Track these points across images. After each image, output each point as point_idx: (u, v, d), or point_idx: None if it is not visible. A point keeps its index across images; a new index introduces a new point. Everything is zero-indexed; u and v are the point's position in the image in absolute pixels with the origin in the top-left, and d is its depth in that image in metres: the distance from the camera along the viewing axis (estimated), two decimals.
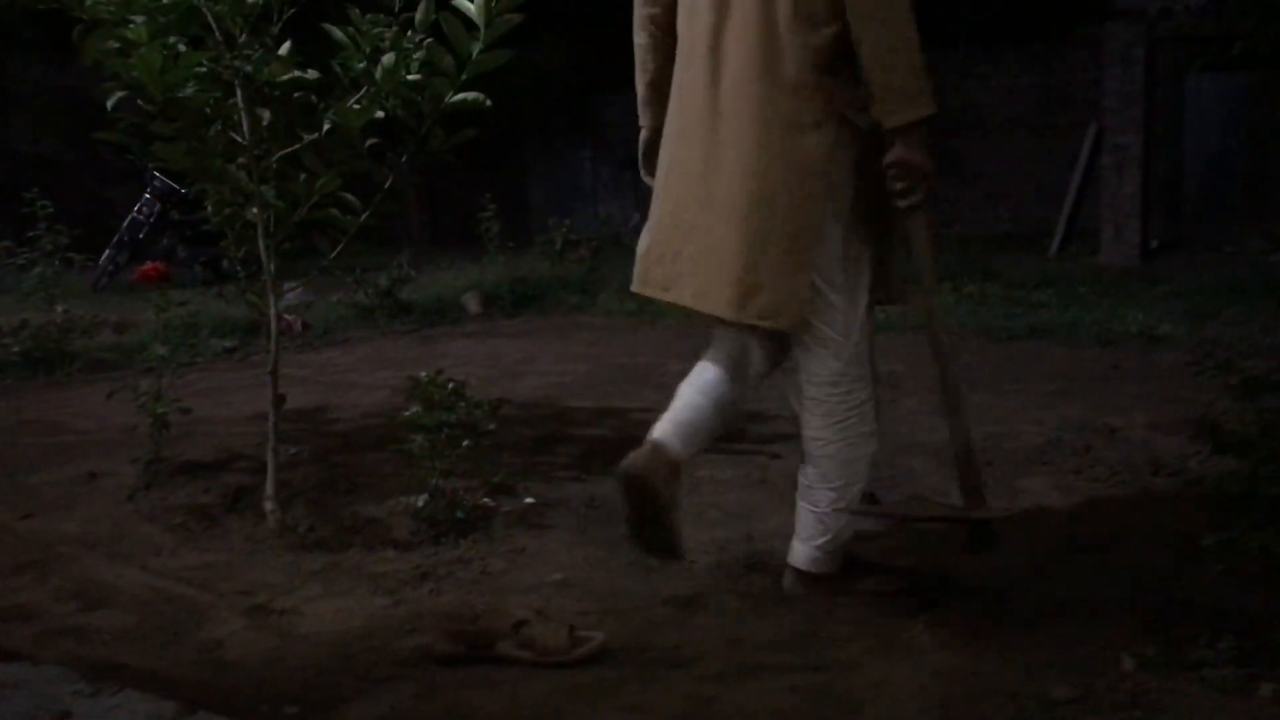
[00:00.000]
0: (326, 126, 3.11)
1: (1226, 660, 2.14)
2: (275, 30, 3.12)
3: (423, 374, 3.19)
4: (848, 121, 2.40)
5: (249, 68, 3.00)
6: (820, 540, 2.54)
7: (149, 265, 10.14)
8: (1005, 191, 13.16)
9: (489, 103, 3.08)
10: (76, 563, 2.95)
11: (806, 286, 2.42)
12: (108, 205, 12.29)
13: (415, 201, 15.47)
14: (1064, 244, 10.95)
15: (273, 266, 3.21)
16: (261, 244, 3.18)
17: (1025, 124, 13.26)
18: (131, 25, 2.89)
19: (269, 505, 3.16)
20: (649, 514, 2.50)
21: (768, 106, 2.37)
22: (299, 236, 3.27)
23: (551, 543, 3.01)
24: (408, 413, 3.14)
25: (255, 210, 3.14)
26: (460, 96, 3.09)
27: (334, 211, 3.22)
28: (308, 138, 3.15)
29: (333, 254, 3.28)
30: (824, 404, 2.54)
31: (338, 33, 3.10)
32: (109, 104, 3.03)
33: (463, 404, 3.15)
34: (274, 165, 3.14)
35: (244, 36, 3.04)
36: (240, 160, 3.12)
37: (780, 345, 2.63)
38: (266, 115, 3.12)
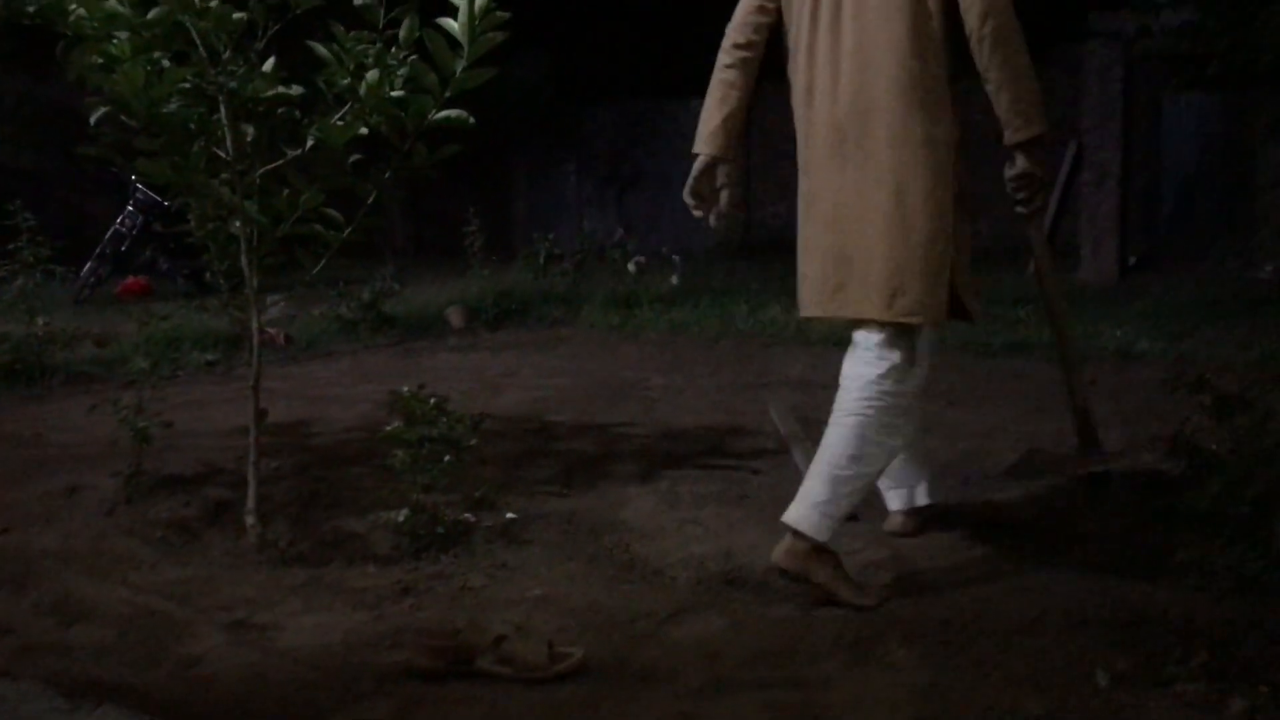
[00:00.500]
0: (310, 142, 3.13)
1: (1199, 676, 2.17)
2: (259, 46, 3.13)
3: (404, 388, 3.20)
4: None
5: (233, 83, 3.01)
6: (823, 504, 2.69)
7: (131, 280, 10.09)
8: (984, 208, 13.25)
9: (472, 120, 3.10)
10: (55, 578, 2.94)
11: (945, 287, 2.73)
12: (90, 217, 12.23)
13: (399, 215, 15.46)
14: None
15: (255, 280, 3.22)
16: (244, 258, 3.19)
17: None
18: (115, 41, 2.90)
19: (250, 520, 3.16)
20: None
21: (908, 127, 2.71)
22: (282, 251, 3.28)
23: (532, 558, 3.02)
24: (389, 427, 3.15)
25: (238, 224, 3.15)
26: (444, 114, 3.11)
27: (317, 227, 3.24)
28: (291, 153, 3.16)
29: (315, 269, 3.29)
30: (887, 390, 2.77)
31: (322, 49, 3.12)
32: (92, 119, 3.03)
33: (444, 418, 3.16)
34: (257, 180, 3.15)
35: (228, 52, 3.06)
36: (224, 175, 3.13)
37: None
38: (250, 131, 3.13)
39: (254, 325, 3.28)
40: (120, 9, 2.89)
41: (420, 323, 7.98)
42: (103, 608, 2.73)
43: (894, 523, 3.17)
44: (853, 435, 2.73)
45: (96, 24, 2.88)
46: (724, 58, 3.03)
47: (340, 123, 3.09)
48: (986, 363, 6.01)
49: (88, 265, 9.89)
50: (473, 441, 3.25)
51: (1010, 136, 2.74)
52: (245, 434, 3.31)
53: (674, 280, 9.45)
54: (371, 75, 3.04)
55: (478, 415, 3.32)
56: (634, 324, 7.82)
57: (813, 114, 2.87)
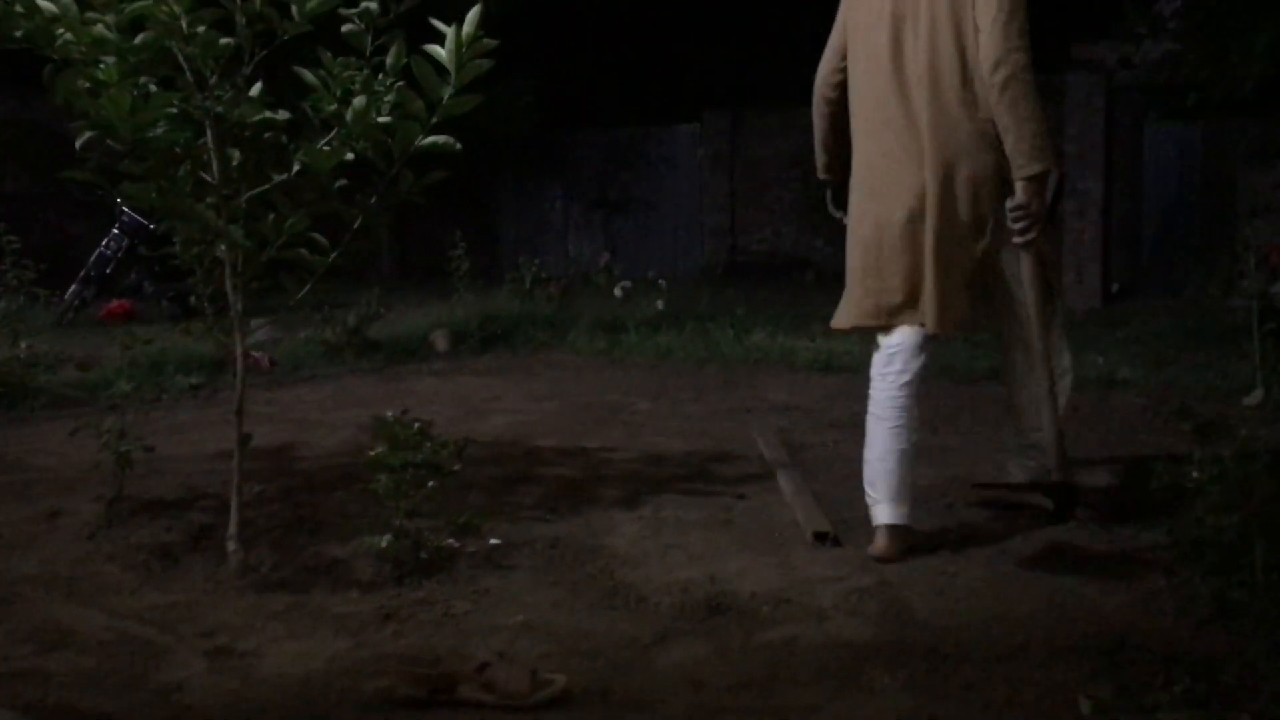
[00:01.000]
0: (296, 167, 3.13)
1: (1181, 703, 2.17)
2: (247, 71, 3.14)
3: (389, 413, 3.19)
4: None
5: (220, 108, 3.02)
6: (906, 500, 3.16)
7: (114, 304, 10.06)
8: None
9: (458, 146, 3.12)
10: (34, 603, 2.91)
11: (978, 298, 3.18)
12: (74, 240, 12.19)
13: (386, 240, 15.46)
14: None
15: (240, 304, 3.22)
16: (229, 282, 3.19)
17: None
18: (102, 65, 2.90)
19: (232, 545, 3.15)
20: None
21: (965, 166, 3.14)
22: (267, 275, 3.28)
23: (515, 584, 3.01)
24: (373, 452, 3.14)
25: (224, 248, 3.15)
26: (430, 140, 3.12)
27: (303, 251, 3.24)
28: (277, 178, 3.16)
29: (300, 293, 3.29)
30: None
31: (309, 75, 3.13)
32: (78, 143, 3.03)
33: (428, 443, 3.15)
34: (243, 205, 3.15)
35: (215, 78, 3.06)
36: (209, 200, 3.13)
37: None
38: (236, 155, 3.14)
39: (238, 349, 3.28)
40: (108, 34, 2.90)
41: (405, 347, 7.97)
42: (82, 634, 2.71)
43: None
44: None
45: (84, 48, 2.89)
46: (819, 106, 3.52)
47: (327, 148, 3.09)
48: (969, 388, 6.03)
49: (72, 288, 9.86)
50: (456, 467, 3.24)
51: (1013, 173, 3.08)
52: (228, 458, 3.30)
53: (659, 305, 9.47)
54: (358, 101, 3.05)
55: (462, 440, 3.31)
56: (620, 349, 7.83)
57: (879, 146, 3.27)
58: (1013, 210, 3.11)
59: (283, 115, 3.14)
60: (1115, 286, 10.81)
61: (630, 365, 7.31)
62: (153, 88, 3.01)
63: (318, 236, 3.25)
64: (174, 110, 3.02)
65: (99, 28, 2.89)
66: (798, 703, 2.28)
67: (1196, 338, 7.45)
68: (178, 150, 3.08)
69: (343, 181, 3.23)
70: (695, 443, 4.79)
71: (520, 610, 2.82)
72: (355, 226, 3.28)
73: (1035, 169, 3.06)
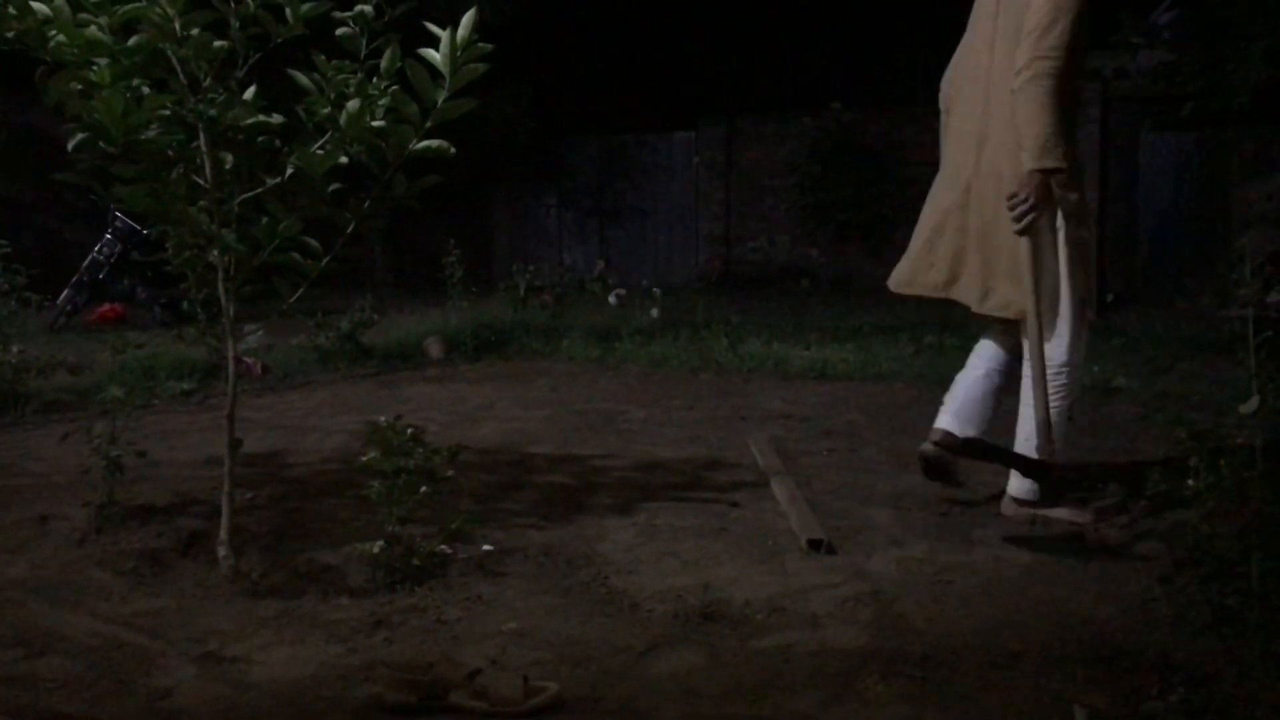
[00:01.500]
0: (290, 171, 3.12)
1: (1177, 712, 2.16)
2: (240, 74, 3.13)
3: (381, 419, 3.18)
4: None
5: (213, 111, 3.01)
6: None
7: (106, 307, 10.04)
8: None
9: (453, 150, 3.10)
10: (23, 608, 2.89)
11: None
12: (67, 245, 12.17)
13: (379, 245, 15.44)
14: None
15: (232, 309, 3.20)
16: (222, 287, 3.17)
17: None
18: (95, 67, 2.89)
19: (222, 551, 3.13)
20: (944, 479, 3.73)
21: (1006, 163, 3.42)
22: (260, 280, 3.27)
23: (508, 591, 2.99)
24: (365, 458, 3.12)
25: (216, 253, 3.14)
26: (424, 144, 3.11)
27: (295, 256, 3.22)
28: (270, 182, 3.15)
29: (293, 298, 3.27)
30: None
31: (303, 78, 3.12)
32: (70, 145, 3.02)
33: (421, 449, 3.14)
34: (236, 209, 3.14)
35: (208, 80, 3.05)
36: (202, 203, 3.12)
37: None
38: (229, 159, 3.12)
39: (230, 354, 3.26)
40: (100, 36, 2.89)
41: (399, 353, 7.96)
42: (71, 639, 2.68)
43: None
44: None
45: (76, 50, 2.87)
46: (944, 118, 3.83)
47: (320, 152, 3.08)
48: None
49: (65, 293, 9.84)
50: (449, 473, 3.23)
51: (1024, 164, 3.36)
52: (219, 464, 3.27)
53: (654, 313, 9.46)
54: (352, 105, 3.04)
55: (455, 447, 3.29)
56: (614, 357, 7.83)
57: (959, 153, 3.64)
58: (1009, 199, 3.37)
59: (276, 119, 3.13)
60: (1110, 296, 10.82)
61: (624, 373, 7.30)
62: (146, 90, 2.99)
63: (310, 241, 3.23)
64: (167, 113, 3.00)
65: (92, 30, 2.88)
66: (791, 711, 2.27)
67: (1192, 347, 7.46)
68: (170, 153, 3.06)
69: (336, 185, 3.21)
70: (689, 450, 4.78)
71: (512, 617, 2.80)
72: (348, 231, 3.27)
73: (1032, 165, 3.31)
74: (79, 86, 2.90)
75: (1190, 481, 2.68)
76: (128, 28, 2.94)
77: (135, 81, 2.97)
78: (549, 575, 3.12)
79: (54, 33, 2.86)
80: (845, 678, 2.41)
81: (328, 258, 3.25)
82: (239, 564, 3.11)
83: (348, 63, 3.10)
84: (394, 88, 3.09)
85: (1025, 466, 3.53)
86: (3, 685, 2.43)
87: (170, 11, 2.88)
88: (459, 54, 2.98)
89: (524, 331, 8.66)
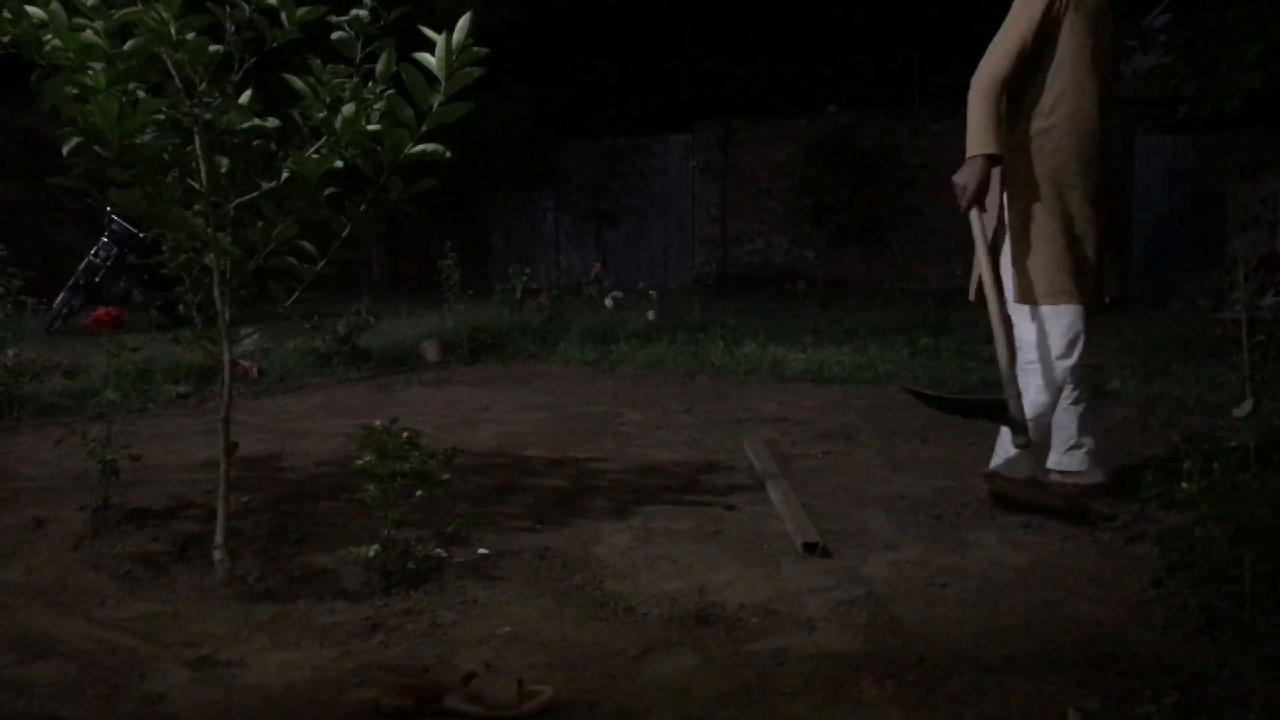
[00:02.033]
0: (285, 175, 3.12)
1: (1169, 715, 2.16)
2: (236, 78, 3.13)
3: (377, 422, 3.18)
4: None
5: (208, 115, 3.01)
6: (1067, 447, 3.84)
7: (102, 311, 10.03)
8: (959, 247, 13.38)
9: (448, 154, 3.11)
10: (17, 612, 2.89)
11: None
12: (63, 248, 12.17)
13: (376, 248, 15.45)
14: None
15: (228, 312, 3.20)
16: (217, 290, 3.17)
17: None
18: (91, 71, 2.89)
19: (218, 554, 3.12)
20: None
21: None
22: (255, 283, 3.27)
23: (503, 594, 3.00)
24: (360, 461, 3.12)
25: (212, 256, 3.14)
26: (420, 148, 3.11)
27: (291, 259, 3.22)
28: (266, 186, 3.15)
29: (287, 302, 3.28)
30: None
31: (298, 82, 3.12)
32: (66, 149, 3.02)
33: (417, 453, 3.14)
34: (231, 212, 3.14)
35: (204, 84, 3.05)
36: (197, 207, 3.12)
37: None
38: (225, 163, 3.12)
39: (226, 358, 3.26)
40: (96, 40, 2.89)
41: (395, 356, 7.96)
42: (65, 643, 2.68)
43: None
44: None
45: (72, 54, 2.87)
46: None
47: (315, 155, 3.08)
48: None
49: (61, 296, 9.84)
50: (445, 476, 3.22)
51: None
52: (215, 467, 3.28)
53: (650, 315, 9.47)
54: (348, 108, 3.05)
55: (451, 450, 3.29)
56: (610, 359, 7.83)
57: None
58: (953, 181, 3.76)
59: (272, 123, 3.13)
60: (1107, 298, 10.82)
61: (620, 376, 7.30)
62: (141, 94, 2.99)
63: (306, 244, 3.24)
64: (162, 117, 3.00)
65: (87, 33, 2.88)
66: (786, 714, 2.27)
67: (1186, 349, 7.47)
68: (166, 157, 3.06)
69: (331, 189, 3.22)
70: (685, 453, 4.78)
71: (508, 620, 2.81)
72: (344, 235, 3.27)
73: (969, 153, 3.71)
74: (74, 90, 2.90)
75: (1184, 484, 2.69)
76: (123, 32, 2.94)
77: (131, 85, 2.97)
78: (544, 579, 3.12)
79: (49, 36, 2.87)
80: (840, 681, 2.41)
81: (323, 261, 3.26)
82: (234, 568, 3.11)
83: (343, 67, 3.11)
84: (389, 92, 3.09)
85: (983, 409, 3.99)
86: None
87: (166, 15, 2.88)
88: (454, 58, 2.99)
89: (520, 334, 8.67)
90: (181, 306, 3.48)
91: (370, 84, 3.09)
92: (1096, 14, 3.76)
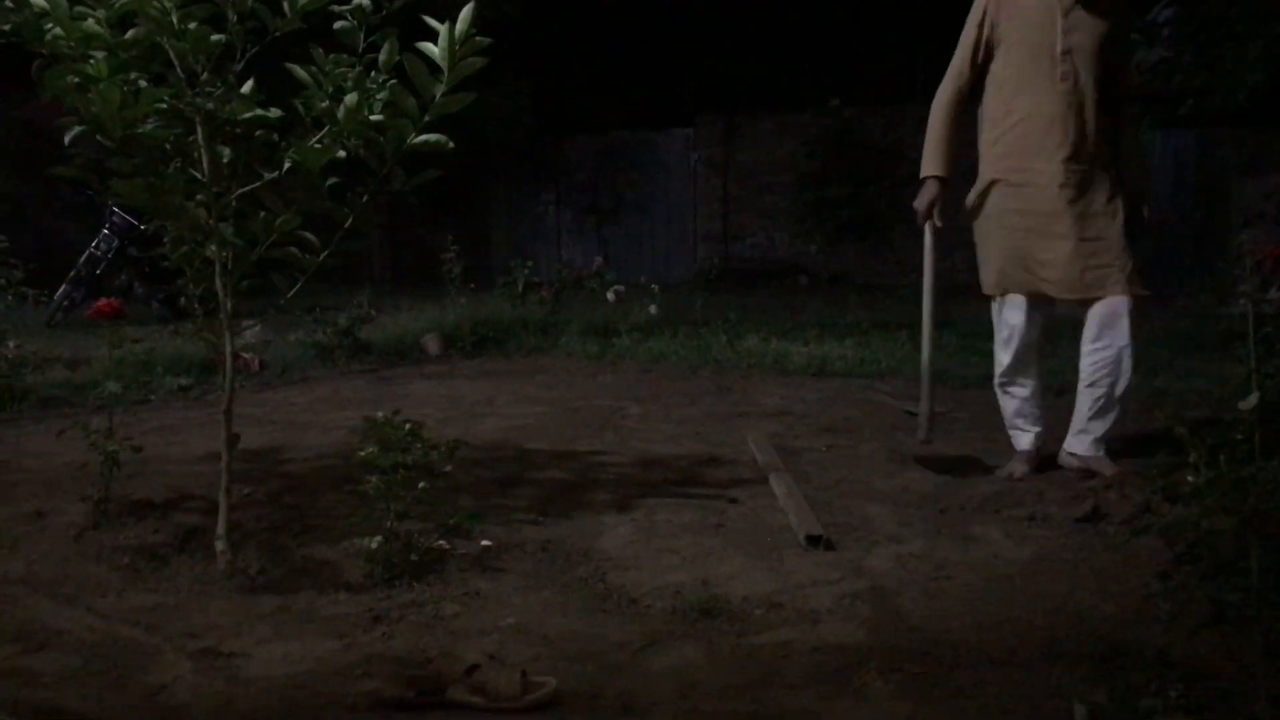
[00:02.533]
0: (287, 165, 3.11)
1: (1175, 708, 2.15)
2: (238, 68, 3.12)
3: (379, 414, 3.17)
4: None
5: (210, 105, 3.00)
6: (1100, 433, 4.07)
7: (103, 302, 10.00)
8: (962, 242, 13.36)
9: (451, 145, 3.09)
10: (20, 604, 2.88)
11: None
12: (64, 240, 12.16)
13: (377, 241, 15.44)
14: None
15: (230, 304, 3.19)
16: (219, 282, 3.16)
17: None
18: (92, 61, 2.88)
19: (220, 546, 3.12)
20: None
21: None
22: (257, 275, 3.26)
23: (506, 586, 2.99)
24: (363, 453, 3.11)
25: (214, 248, 3.13)
26: (423, 138, 3.10)
27: (293, 250, 3.21)
28: (268, 176, 3.14)
29: (290, 293, 3.27)
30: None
31: (301, 72, 3.11)
32: (67, 139, 3.01)
33: (419, 445, 3.13)
34: (233, 203, 3.13)
35: (206, 74, 3.04)
36: (199, 197, 3.11)
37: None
38: (227, 153, 3.11)
39: (228, 350, 3.25)
40: (98, 29, 2.87)
41: (397, 349, 7.95)
42: (68, 634, 2.68)
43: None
44: None
45: (73, 43, 2.86)
46: None
47: (318, 146, 3.07)
48: (961, 394, 6.03)
49: (62, 289, 9.83)
50: (447, 468, 3.22)
51: None
52: (217, 459, 3.27)
53: (652, 309, 9.45)
54: (350, 99, 3.03)
55: (454, 442, 3.28)
56: (612, 353, 7.82)
57: None
58: None
59: (274, 113, 3.12)
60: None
61: (622, 369, 7.29)
62: (143, 84, 2.98)
63: (308, 236, 3.22)
64: (164, 106, 2.99)
65: (89, 22, 2.87)
66: (790, 707, 2.26)
67: (1191, 343, 7.46)
68: (168, 147, 3.05)
69: (334, 180, 3.20)
70: (687, 446, 4.77)
71: (511, 613, 2.80)
72: (346, 226, 3.26)
73: (920, 175, 4.16)
74: (76, 80, 2.89)
75: (1189, 477, 2.67)
76: (125, 21, 2.93)
77: (132, 75, 2.96)
78: (547, 571, 3.12)
79: (51, 25, 2.85)
80: (844, 674, 2.40)
81: (325, 253, 3.24)
82: (236, 559, 3.10)
83: (345, 56, 3.10)
84: (392, 82, 3.08)
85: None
86: (0, 680, 2.42)
87: (168, 5, 2.87)
88: (457, 48, 2.97)
89: (522, 328, 8.66)
90: (183, 299, 3.47)
91: (373, 74, 3.08)
92: (1042, 14, 3.90)
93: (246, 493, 3.79)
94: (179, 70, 3.01)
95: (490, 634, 2.66)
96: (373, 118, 3.07)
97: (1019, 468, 4.10)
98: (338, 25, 3.09)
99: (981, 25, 4.01)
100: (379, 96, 3.07)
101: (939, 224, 4.19)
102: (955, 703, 2.26)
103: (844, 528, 3.48)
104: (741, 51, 17.07)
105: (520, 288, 9.42)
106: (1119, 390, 3.99)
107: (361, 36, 3.09)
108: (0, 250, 6.45)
